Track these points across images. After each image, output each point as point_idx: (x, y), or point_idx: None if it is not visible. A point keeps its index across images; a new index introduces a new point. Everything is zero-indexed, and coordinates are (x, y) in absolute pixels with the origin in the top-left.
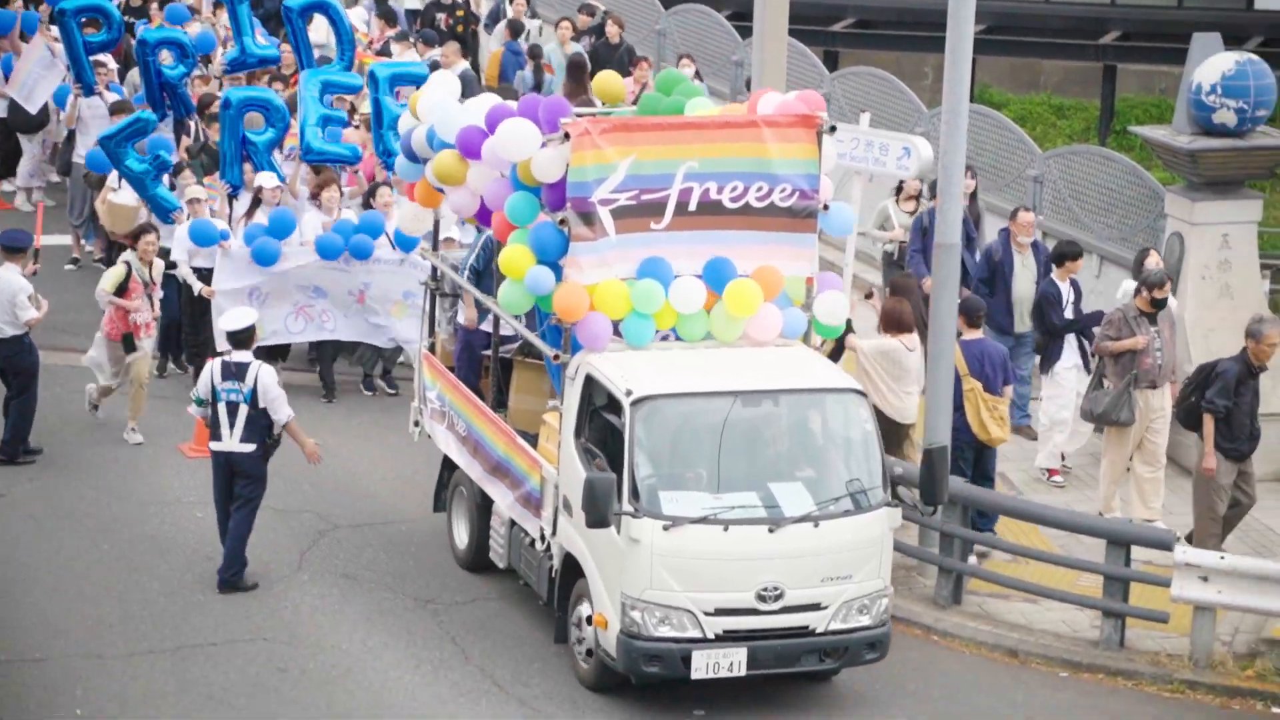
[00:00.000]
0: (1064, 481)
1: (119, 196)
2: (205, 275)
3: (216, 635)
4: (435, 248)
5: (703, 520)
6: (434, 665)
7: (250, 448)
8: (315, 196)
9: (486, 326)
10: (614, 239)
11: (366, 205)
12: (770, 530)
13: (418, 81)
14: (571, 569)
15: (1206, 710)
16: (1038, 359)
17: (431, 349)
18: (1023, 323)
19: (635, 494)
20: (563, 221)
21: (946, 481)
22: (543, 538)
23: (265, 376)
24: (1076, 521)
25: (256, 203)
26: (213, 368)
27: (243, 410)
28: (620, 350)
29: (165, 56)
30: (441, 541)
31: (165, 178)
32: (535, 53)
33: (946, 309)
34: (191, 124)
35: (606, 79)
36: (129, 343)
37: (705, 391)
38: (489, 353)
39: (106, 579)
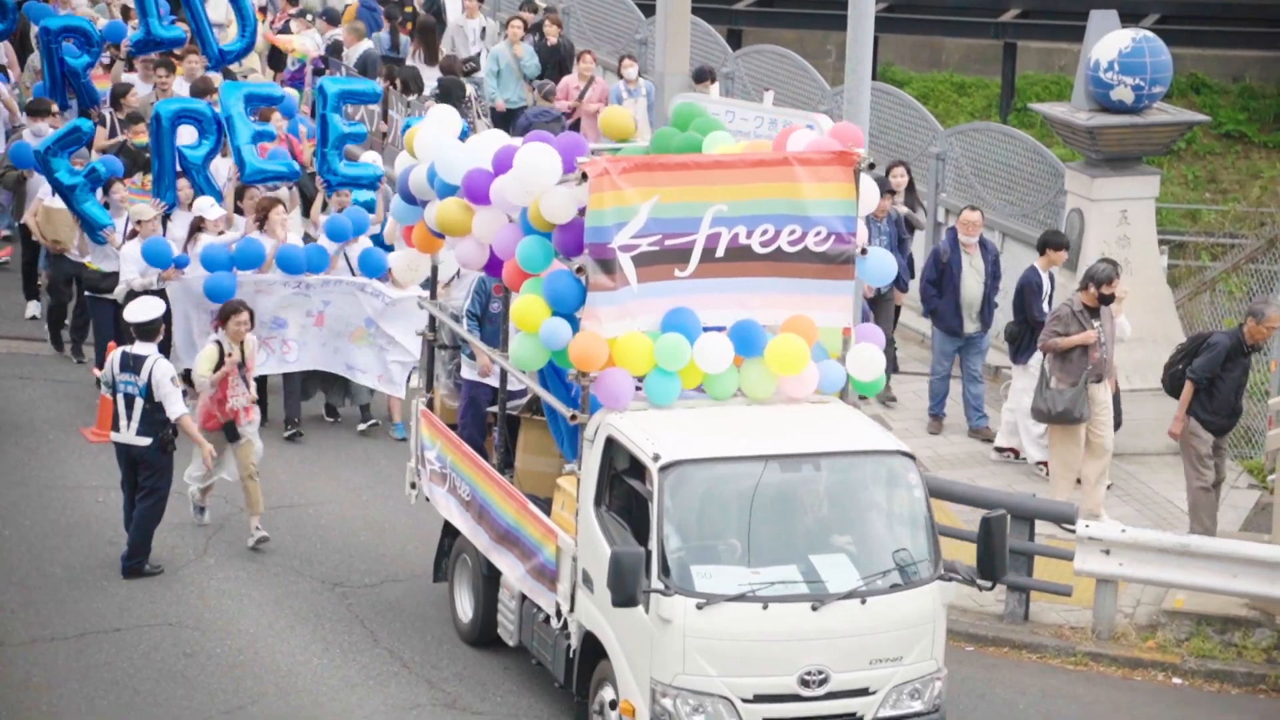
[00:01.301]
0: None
1: (57, 201)
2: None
3: (121, 621)
4: (433, 295)
5: (740, 598)
6: (342, 648)
7: (147, 441)
8: (261, 220)
9: (490, 380)
10: (635, 288)
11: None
12: (814, 608)
13: (366, 100)
14: (592, 650)
15: (1109, 682)
16: (990, 355)
17: (430, 405)
18: (972, 323)
19: (665, 569)
20: (580, 269)
21: (1006, 553)
22: (559, 614)
23: (159, 371)
24: (980, 496)
25: (198, 228)
26: (114, 358)
27: (138, 404)
28: (644, 409)
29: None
30: (348, 523)
31: (99, 192)
32: (391, 14)
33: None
34: (105, 115)
35: (613, 114)
36: (231, 431)
37: (740, 456)
38: (491, 409)
39: (8, 565)
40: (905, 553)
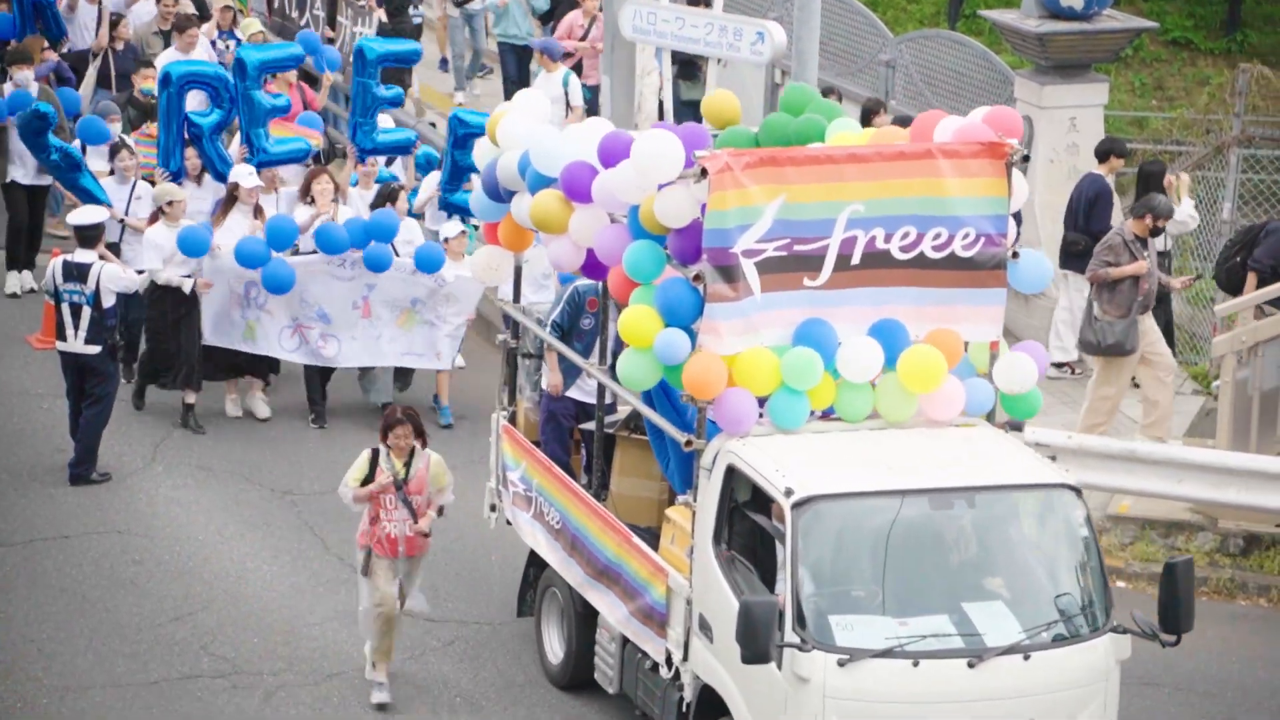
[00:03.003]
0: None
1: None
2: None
3: (69, 528)
4: (516, 298)
5: (887, 653)
6: (292, 555)
7: (95, 349)
8: (305, 191)
9: (573, 393)
10: (760, 298)
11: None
12: (970, 665)
13: (408, 60)
14: (710, 704)
15: None
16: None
17: (512, 419)
18: None
19: (801, 620)
20: (697, 277)
21: (1193, 602)
22: (669, 663)
23: (107, 277)
24: None
25: (232, 201)
26: (54, 266)
27: (85, 312)
28: (769, 435)
29: None
30: (297, 431)
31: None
32: None
33: None
34: (102, 43)
35: (718, 98)
36: (368, 561)
37: (884, 490)
38: (585, 426)
39: None
40: (1072, 601)
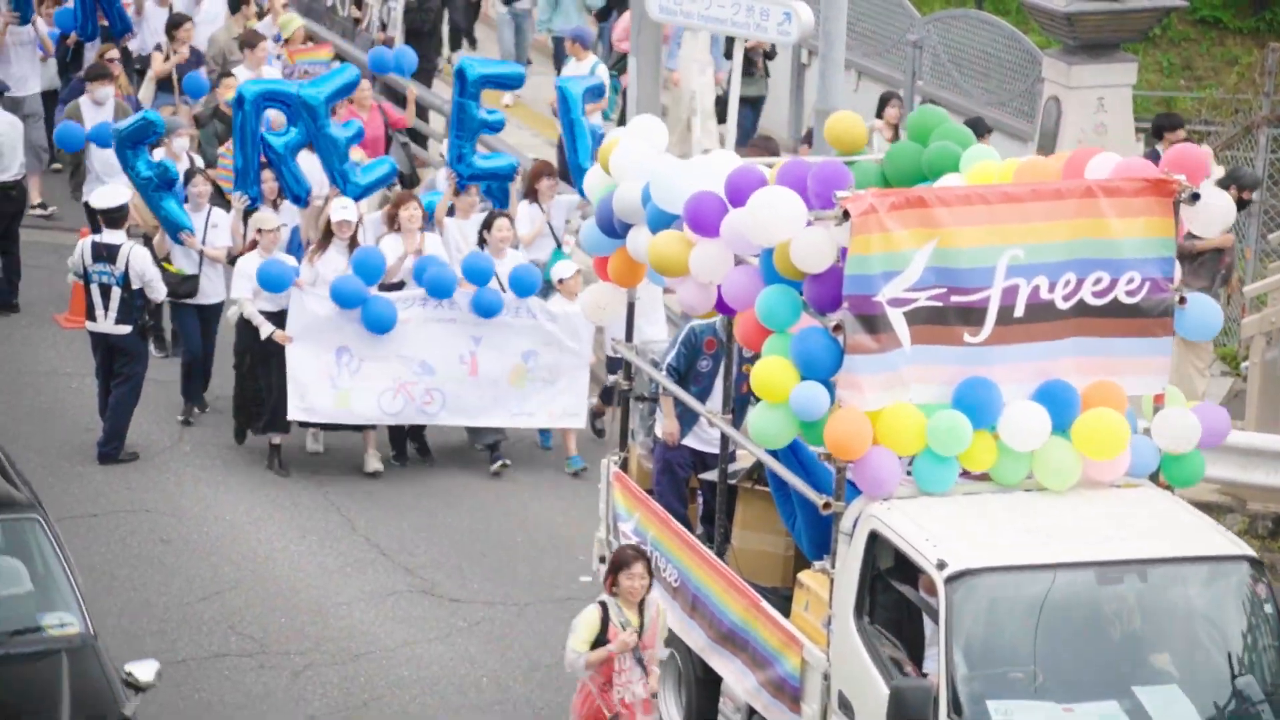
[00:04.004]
0: None
1: None
2: (273, 319)
3: (97, 506)
4: (629, 338)
5: None
6: (320, 535)
7: (126, 329)
8: (391, 219)
9: (690, 441)
10: (909, 351)
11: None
12: None
13: (511, 83)
14: None
15: None
16: None
17: (624, 466)
18: None
19: (956, 706)
20: (837, 327)
21: None
22: None
23: (138, 259)
24: None
25: (328, 235)
26: (83, 246)
27: (115, 293)
28: (914, 498)
29: None
30: None
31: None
32: None
33: None
34: (162, 46)
35: (842, 120)
36: None
37: (1047, 563)
38: (705, 476)
39: None
40: (1253, 684)
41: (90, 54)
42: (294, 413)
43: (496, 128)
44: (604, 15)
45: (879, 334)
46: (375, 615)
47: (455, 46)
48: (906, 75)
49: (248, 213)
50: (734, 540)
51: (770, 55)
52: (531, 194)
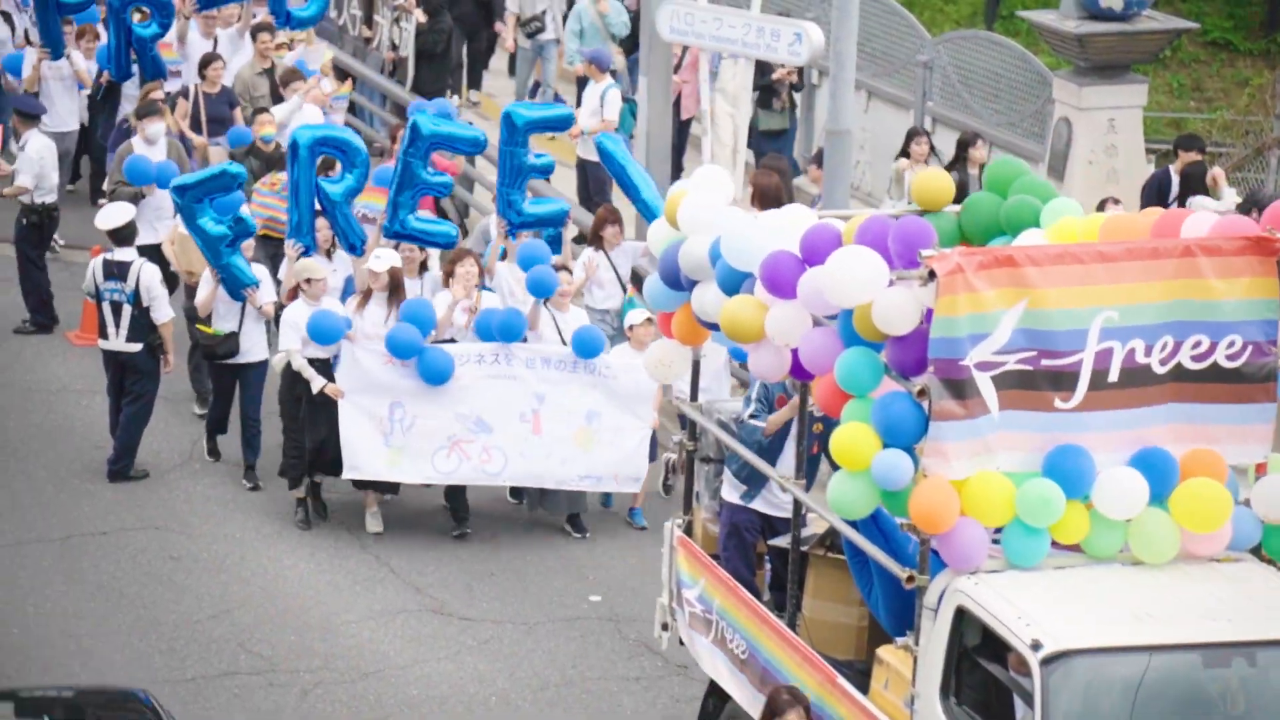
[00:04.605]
0: None
1: None
2: (319, 367)
3: (107, 524)
4: (694, 396)
5: None
6: (329, 553)
7: (136, 347)
8: (448, 276)
9: (758, 505)
10: (997, 417)
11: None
12: None
13: (560, 126)
14: None
15: None
16: None
17: (688, 530)
18: None
19: None
20: (921, 392)
21: None
22: None
23: (147, 275)
24: None
25: (370, 288)
26: (95, 265)
27: (126, 310)
28: (1003, 571)
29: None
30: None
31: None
32: None
33: (839, 201)
34: (192, 89)
35: (931, 178)
36: None
37: (1149, 645)
38: (774, 542)
39: None
40: None
41: (124, 98)
42: (345, 472)
43: (546, 172)
44: (631, 48)
45: (966, 399)
46: (384, 634)
47: (474, 84)
48: (917, 96)
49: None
50: (805, 610)
51: (798, 88)
52: (596, 240)
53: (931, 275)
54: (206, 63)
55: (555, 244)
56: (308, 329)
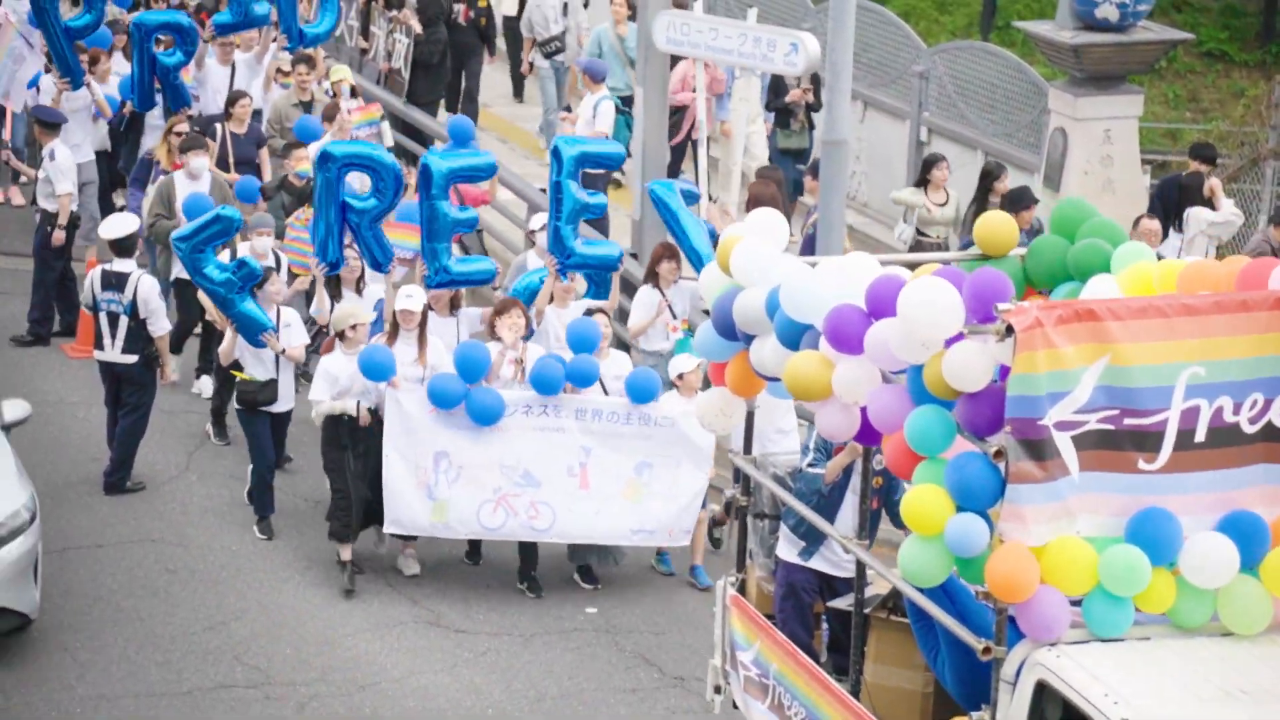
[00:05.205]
0: None
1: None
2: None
3: (103, 537)
4: (748, 449)
5: None
6: (325, 565)
7: (132, 358)
8: (493, 328)
9: (816, 563)
10: (1077, 479)
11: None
12: None
13: (611, 163)
14: None
15: None
16: None
17: (742, 589)
18: None
19: None
20: (998, 453)
21: None
22: None
23: (145, 287)
24: None
25: (396, 326)
26: (93, 276)
27: (123, 321)
28: (1085, 643)
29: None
30: None
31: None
32: None
33: (836, 211)
34: (219, 130)
35: (995, 222)
36: None
37: None
38: (834, 603)
39: None
40: None
41: (148, 129)
42: (386, 525)
43: (598, 212)
44: None
45: (1045, 461)
46: (381, 646)
47: (450, 110)
48: (913, 106)
49: (331, 292)
50: (867, 675)
51: (815, 108)
52: (652, 277)
53: (1009, 330)
54: (233, 100)
55: (604, 288)
56: (361, 364)
